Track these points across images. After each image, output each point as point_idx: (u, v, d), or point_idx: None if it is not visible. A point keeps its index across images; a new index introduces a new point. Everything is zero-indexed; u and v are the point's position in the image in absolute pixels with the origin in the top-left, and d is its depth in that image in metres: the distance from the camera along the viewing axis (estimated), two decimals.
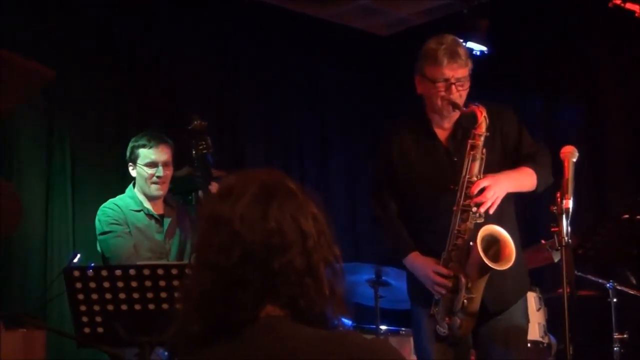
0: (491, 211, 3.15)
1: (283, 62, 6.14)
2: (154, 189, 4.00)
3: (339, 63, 6.46)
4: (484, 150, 3.18)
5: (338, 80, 6.47)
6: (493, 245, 3.15)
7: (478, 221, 3.15)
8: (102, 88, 5.08)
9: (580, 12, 5.56)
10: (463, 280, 3.13)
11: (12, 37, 4.58)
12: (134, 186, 4.07)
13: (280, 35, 6.12)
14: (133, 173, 4.04)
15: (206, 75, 5.64)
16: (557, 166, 3.17)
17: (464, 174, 3.17)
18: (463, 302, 3.14)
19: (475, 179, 3.15)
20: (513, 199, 3.34)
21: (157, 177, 3.98)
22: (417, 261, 3.27)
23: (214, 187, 3.66)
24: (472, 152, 3.18)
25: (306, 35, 6.25)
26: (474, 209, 3.13)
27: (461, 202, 3.16)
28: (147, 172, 3.97)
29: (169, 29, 5.47)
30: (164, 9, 5.45)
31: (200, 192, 3.64)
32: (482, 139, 3.17)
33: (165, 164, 3.99)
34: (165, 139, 4.04)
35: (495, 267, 3.09)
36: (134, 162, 4.01)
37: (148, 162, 3.97)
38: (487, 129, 3.19)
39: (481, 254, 3.06)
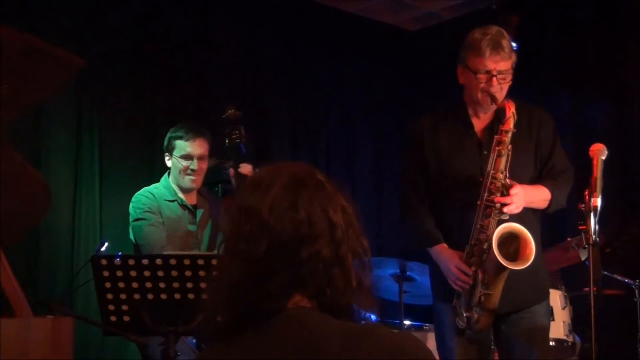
0: (510, 212, 3.15)
1: (311, 55, 6.15)
2: (188, 181, 4.02)
3: (367, 57, 6.45)
4: (510, 147, 3.16)
5: (366, 74, 6.46)
6: (514, 242, 3.13)
7: (502, 218, 3.14)
8: (132, 78, 5.10)
9: (609, 10, 5.50)
10: (480, 275, 3.13)
11: (42, 26, 4.60)
12: (169, 176, 4.08)
13: (309, 29, 6.12)
14: (169, 163, 4.06)
15: (235, 67, 5.65)
16: (587, 164, 3.14)
17: (489, 169, 3.16)
18: (480, 298, 3.14)
19: (500, 175, 3.14)
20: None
21: (192, 170, 4.00)
22: (443, 254, 3.26)
23: (244, 168, 3.68)
24: (498, 148, 3.16)
25: (335, 29, 6.24)
26: (498, 205, 3.13)
27: (485, 196, 3.15)
28: (181, 165, 3.99)
29: (199, 21, 5.49)
30: (194, 1, 5.47)
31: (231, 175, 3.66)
32: (509, 135, 3.15)
33: (200, 158, 4.00)
34: (203, 133, 4.04)
35: (510, 267, 3.07)
36: (170, 153, 4.03)
37: (184, 154, 3.99)
38: (515, 126, 3.16)
39: (496, 252, 3.04)
